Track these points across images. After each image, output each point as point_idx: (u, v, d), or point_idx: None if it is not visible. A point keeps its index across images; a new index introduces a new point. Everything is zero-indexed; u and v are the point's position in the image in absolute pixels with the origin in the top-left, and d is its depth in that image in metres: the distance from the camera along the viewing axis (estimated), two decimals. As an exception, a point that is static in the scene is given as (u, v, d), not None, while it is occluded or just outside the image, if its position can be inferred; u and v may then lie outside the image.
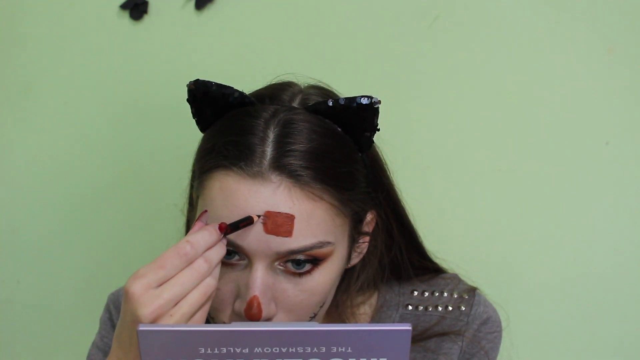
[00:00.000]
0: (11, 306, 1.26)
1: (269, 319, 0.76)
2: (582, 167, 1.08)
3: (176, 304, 0.67)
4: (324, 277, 0.77)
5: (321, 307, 0.80)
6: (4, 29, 1.20)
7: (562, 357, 1.11)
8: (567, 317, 1.10)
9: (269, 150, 0.74)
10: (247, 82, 0.87)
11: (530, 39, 1.07)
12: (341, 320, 0.88)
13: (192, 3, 1.15)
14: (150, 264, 0.68)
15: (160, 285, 0.67)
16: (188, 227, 0.93)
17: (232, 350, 0.63)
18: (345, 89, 0.88)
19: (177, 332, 0.62)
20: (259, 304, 0.74)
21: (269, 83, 0.87)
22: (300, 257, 0.75)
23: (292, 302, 0.76)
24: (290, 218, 0.73)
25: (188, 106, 1.13)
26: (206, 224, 0.73)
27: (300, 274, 0.76)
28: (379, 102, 0.76)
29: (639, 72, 1.05)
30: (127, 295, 0.67)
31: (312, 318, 0.79)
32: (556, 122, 1.08)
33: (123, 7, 1.16)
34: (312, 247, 0.74)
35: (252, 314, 0.74)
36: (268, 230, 0.73)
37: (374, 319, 0.90)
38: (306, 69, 0.89)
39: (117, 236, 1.21)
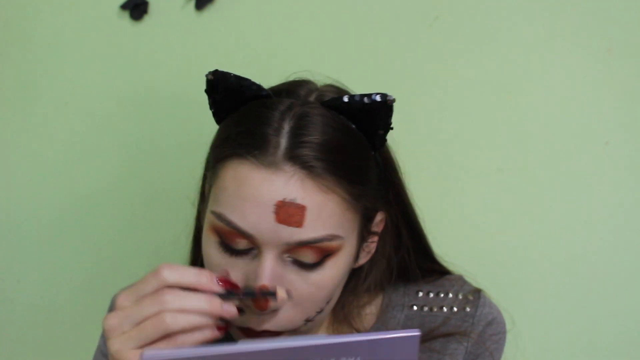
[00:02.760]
0: (11, 306, 1.26)
1: (274, 310, 0.76)
2: (582, 167, 1.08)
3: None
4: (332, 272, 0.77)
5: (327, 303, 0.80)
6: (4, 29, 1.20)
7: (565, 358, 1.11)
8: (568, 316, 1.10)
9: (283, 141, 0.74)
10: (248, 82, 0.87)
11: (530, 39, 1.08)
12: (347, 319, 0.88)
13: (192, 3, 1.15)
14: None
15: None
16: (198, 220, 0.93)
17: None
18: (347, 88, 0.88)
19: (184, 357, 0.61)
20: None
21: (281, 82, 0.87)
22: (308, 259, 0.75)
23: (299, 295, 0.76)
24: (302, 208, 0.73)
25: (188, 104, 1.15)
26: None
27: (309, 267, 0.76)
28: (394, 100, 0.77)
29: (639, 72, 1.05)
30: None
31: (319, 313, 0.80)
32: (556, 122, 1.08)
33: (123, 7, 1.16)
34: (321, 240, 0.75)
35: (259, 303, 0.74)
36: (280, 220, 0.73)
37: (379, 319, 0.90)
38: (305, 69, 0.89)
39: (118, 236, 1.21)
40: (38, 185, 1.22)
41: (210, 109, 0.82)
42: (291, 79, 0.87)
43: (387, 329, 0.89)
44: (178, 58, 1.17)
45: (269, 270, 0.74)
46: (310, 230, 0.74)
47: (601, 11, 1.05)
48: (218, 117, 0.82)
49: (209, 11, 1.15)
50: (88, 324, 1.09)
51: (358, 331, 0.88)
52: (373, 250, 0.86)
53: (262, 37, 1.14)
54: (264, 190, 0.73)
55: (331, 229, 0.75)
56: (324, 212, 0.74)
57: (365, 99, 0.77)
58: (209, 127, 0.91)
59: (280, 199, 0.73)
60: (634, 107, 1.06)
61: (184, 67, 1.16)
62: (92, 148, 1.20)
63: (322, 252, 0.76)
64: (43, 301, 1.24)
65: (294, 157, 0.74)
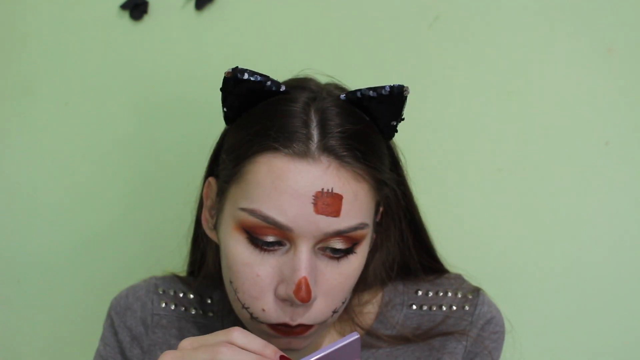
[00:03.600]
0: (11, 306, 1.26)
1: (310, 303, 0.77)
2: (582, 167, 1.08)
3: None
4: (358, 261, 0.79)
5: (350, 293, 0.82)
6: (4, 29, 1.20)
7: (564, 358, 1.11)
8: (568, 317, 1.10)
9: (315, 132, 0.75)
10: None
11: (530, 39, 1.08)
12: (350, 317, 0.89)
13: (192, 3, 1.15)
14: None
15: None
16: (197, 225, 0.93)
17: None
18: (348, 88, 0.88)
19: None
20: (307, 285, 0.75)
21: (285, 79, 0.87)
22: (340, 245, 0.76)
23: (330, 285, 0.78)
24: (339, 198, 0.74)
25: (188, 105, 1.15)
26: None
27: (338, 258, 0.77)
28: (409, 91, 0.78)
29: (639, 72, 1.05)
30: None
31: (343, 304, 0.81)
32: (556, 122, 1.08)
33: (123, 7, 1.16)
34: (355, 228, 0.76)
35: (301, 295, 0.74)
36: (318, 211, 0.74)
37: (379, 318, 0.90)
38: (305, 68, 0.89)
39: (118, 236, 1.21)
40: (37, 186, 1.22)
41: (223, 107, 0.81)
42: (295, 77, 0.87)
43: (385, 328, 0.89)
44: (178, 58, 1.17)
45: (306, 262, 0.75)
46: (347, 219, 0.75)
47: (601, 11, 1.05)
48: (231, 114, 0.82)
49: (209, 11, 1.15)
50: (88, 324, 1.09)
51: (361, 328, 0.89)
52: (372, 244, 0.86)
53: (262, 37, 1.14)
54: (302, 181, 0.74)
55: (363, 217, 0.77)
56: (358, 200, 0.76)
57: (381, 90, 0.78)
58: (209, 128, 0.91)
59: (319, 189, 0.74)
60: (634, 107, 1.06)
61: (184, 67, 1.16)
62: (91, 148, 1.20)
63: (352, 241, 0.77)
64: (43, 301, 1.24)
65: (328, 147, 0.75)
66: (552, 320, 1.10)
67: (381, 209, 0.85)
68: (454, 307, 0.89)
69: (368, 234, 0.79)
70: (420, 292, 0.92)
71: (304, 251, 0.75)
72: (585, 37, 1.06)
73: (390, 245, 0.89)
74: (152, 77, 1.17)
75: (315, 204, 0.74)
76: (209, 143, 0.89)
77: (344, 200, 0.74)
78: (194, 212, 0.94)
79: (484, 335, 0.88)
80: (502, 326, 0.90)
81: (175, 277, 0.96)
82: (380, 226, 0.87)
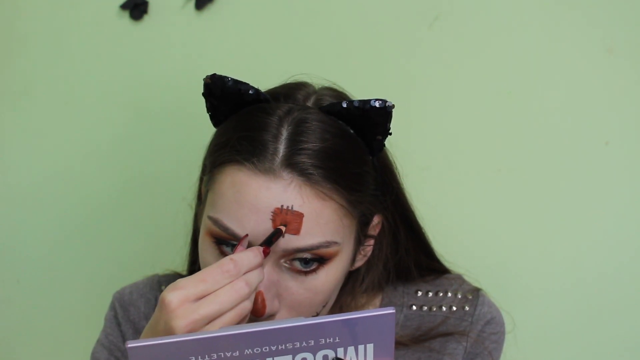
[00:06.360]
0: (11, 306, 1.26)
1: (271, 315, 0.76)
2: (582, 167, 1.08)
3: (210, 322, 0.67)
4: (329, 277, 0.77)
5: (324, 307, 0.80)
6: (4, 29, 1.20)
7: (565, 358, 1.11)
8: (568, 317, 1.10)
9: (281, 147, 0.74)
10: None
11: (530, 39, 1.08)
12: None
13: (192, 3, 1.15)
14: (190, 276, 0.68)
15: (197, 299, 0.67)
16: (196, 221, 0.93)
17: (222, 355, 0.64)
18: (345, 90, 0.88)
19: (167, 344, 0.63)
20: (263, 300, 0.74)
21: (280, 83, 0.87)
22: (307, 256, 0.75)
23: (295, 300, 0.77)
24: (299, 216, 0.73)
25: (188, 105, 1.15)
26: (246, 247, 0.73)
27: (306, 273, 0.76)
28: (393, 106, 0.77)
29: (639, 72, 1.05)
30: (162, 304, 0.66)
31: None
32: (556, 122, 1.08)
33: (123, 7, 1.16)
34: (318, 247, 0.75)
35: (256, 308, 0.74)
36: (276, 227, 0.73)
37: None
38: (305, 69, 0.89)
39: (118, 235, 1.21)
40: (37, 186, 1.22)
41: (208, 112, 0.82)
42: (289, 81, 0.87)
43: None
44: (178, 58, 1.17)
45: (265, 276, 0.74)
46: (308, 237, 0.74)
47: (601, 11, 1.05)
48: (215, 120, 0.82)
49: (209, 11, 1.15)
50: (87, 324, 1.09)
51: None
52: (369, 253, 0.86)
53: (262, 38, 1.14)
54: (261, 197, 0.73)
55: (328, 235, 0.75)
56: (322, 219, 0.74)
57: (365, 105, 0.76)
58: (208, 128, 0.91)
59: (278, 206, 0.73)
60: (634, 107, 1.06)
61: (184, 67, 1.16)
62: (91, 148, 1.20)
63: (320, 259, 0.76)
64: (43, 302, 1.24)
65: (292, 164, 0.73)
66: (552, 319, 1.10)
67: (375, 222, 0.84)
68: (454, 308, 0.89)
69: (341, 252, 0.78)
70: (420, 293, 0.91)
71: (264, 266, 0.74)
72: (585, 37, 1.06)
73: (385, 253, 0.89)
74: (151, 76, 1.17)
75: (273, 220, 0.73)
76: (207, 142, 0.89)
77: (305, 219, 0.73)
78: (192, 212, 0.94)
79: (484, 335, 0.88)
80: (502, 326, 0.90)
81: (177, 275, 0.97)
82: (372, 237, 0.86)
